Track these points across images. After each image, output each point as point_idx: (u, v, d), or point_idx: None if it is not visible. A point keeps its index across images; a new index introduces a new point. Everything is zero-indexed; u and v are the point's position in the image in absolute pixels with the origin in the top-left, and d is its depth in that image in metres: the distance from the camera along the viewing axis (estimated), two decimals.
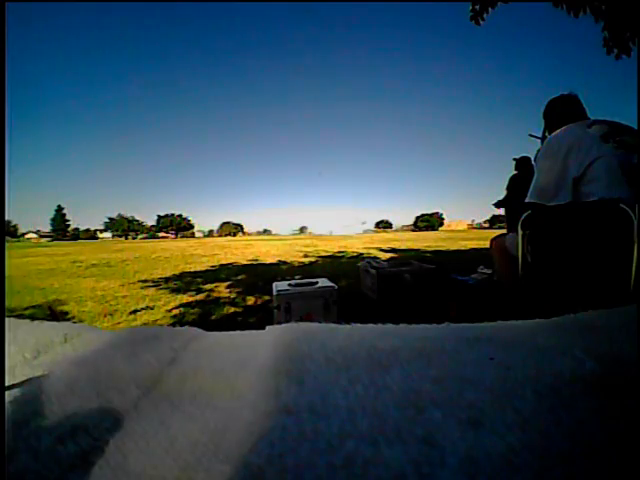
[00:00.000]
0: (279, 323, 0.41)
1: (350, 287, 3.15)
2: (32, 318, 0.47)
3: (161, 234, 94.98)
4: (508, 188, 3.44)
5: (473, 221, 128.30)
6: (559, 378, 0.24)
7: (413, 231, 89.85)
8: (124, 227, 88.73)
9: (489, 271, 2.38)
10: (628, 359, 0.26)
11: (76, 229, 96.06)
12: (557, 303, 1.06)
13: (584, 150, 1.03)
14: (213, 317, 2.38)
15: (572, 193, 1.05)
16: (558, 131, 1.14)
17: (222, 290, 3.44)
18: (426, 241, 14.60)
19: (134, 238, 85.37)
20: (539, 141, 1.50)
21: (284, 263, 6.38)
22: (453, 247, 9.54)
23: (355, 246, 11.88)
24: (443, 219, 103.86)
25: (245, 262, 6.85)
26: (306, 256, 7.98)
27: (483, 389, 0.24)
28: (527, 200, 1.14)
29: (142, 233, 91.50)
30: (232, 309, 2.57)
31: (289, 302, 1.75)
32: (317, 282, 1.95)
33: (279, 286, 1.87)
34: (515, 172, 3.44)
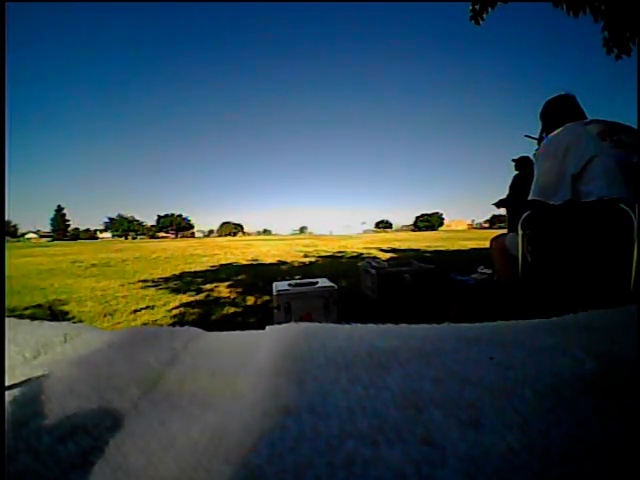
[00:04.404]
0: (279, 323, 0.41)
1: (350, 287, 3.15)
2: (32, 318, 0.47)
3: (161, 234, 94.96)
4: (511, 187, 3.44)
5: (473, 221, 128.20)
6: (559, 378, 0.24)
7: (413, 231, 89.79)
8: (124, 227, 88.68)
9: (489, 271, 2.38)
10: (628, 359, 0.26)
11: (76, 229, 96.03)
12: (557, 303, 1.06)
13: (582, 148, 1.03)
14: (213, 317, 2.38)
15: (571, 190, 1.05)
16: (557, 130, 1.14)
17: (222, 290, 3.44)
18: (426, 241, 14.60)
19: (134, 238, 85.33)
20: (535, 142, 1.50)
21: (284, 263, 6.38)
22: (453, 247, 9.54)
23: (355, 246, 11.88)
24: (443, 219, 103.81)
25: (245, 262, 6.85)
26: (306, 256, 7.98)
27: (483, 389, 0.24)
28: (530, 198, 1.15)
29: (142, 233, 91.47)
30: (232, 309, 2.57)
31: (289, 302, 1.75)
32: (317, 282, 1.95)
33: (279, 286, 1.87)
34: (517, 172, 3.44)
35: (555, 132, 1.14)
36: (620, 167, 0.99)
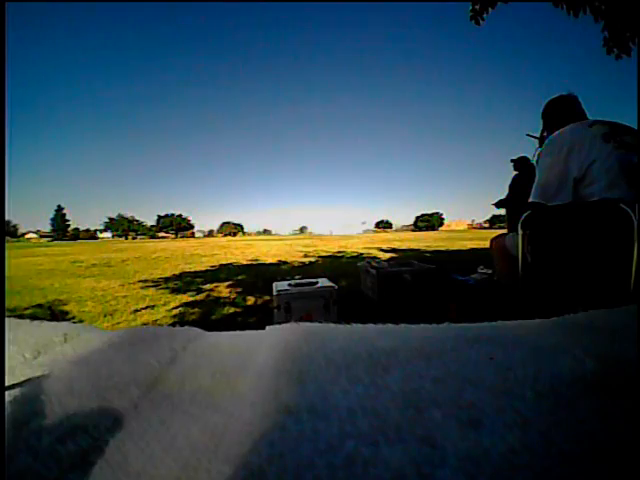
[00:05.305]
0: (279, 323, 0.41)
1: (350, 287, 3.15)
2: (32, 318, 0.47)
3: (161, 234, 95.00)
4: (511, 187, 3.44)
5: (473, 221, 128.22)
6: (559, 378, 0.24)
7: (413, 231, 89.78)
8: (124, 227, 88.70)
9: (489, 271, 2.38)
10: (628, 359, 0.26)
11: (76, 229, 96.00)
12: (557, 303, 1.06)
13: (585, 150, 1.03)
14: (213, 317, 2.38)
15: (573, 194, 1.05)
16: (560, 131, 1.14)
17: (222, 290, 3.44)
18: (426, 241, 14.60)
19: (134, 238, 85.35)
20: (536, 141, 1.50)
21: (284, 263, 6.38)
22: (453, 247, 9.54)
23: (355, 246, 11.88)
24: (443, 219, 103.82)
25: (245, 262, 6.85)
26: (306, 256, 7.98)
27: (483, 389, 0.24)
28: (531, 199, 1.14)
29: (142, 233, 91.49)
30: (232, 309, 2.57)
31: (289, 302, 1.75)
32: (317, 282, 1.95)
33: (279, 286, 1.87)
34: (516, 172, 3.44)
35: (558, 132, 1.14)
36: (622, 168, 0.99)
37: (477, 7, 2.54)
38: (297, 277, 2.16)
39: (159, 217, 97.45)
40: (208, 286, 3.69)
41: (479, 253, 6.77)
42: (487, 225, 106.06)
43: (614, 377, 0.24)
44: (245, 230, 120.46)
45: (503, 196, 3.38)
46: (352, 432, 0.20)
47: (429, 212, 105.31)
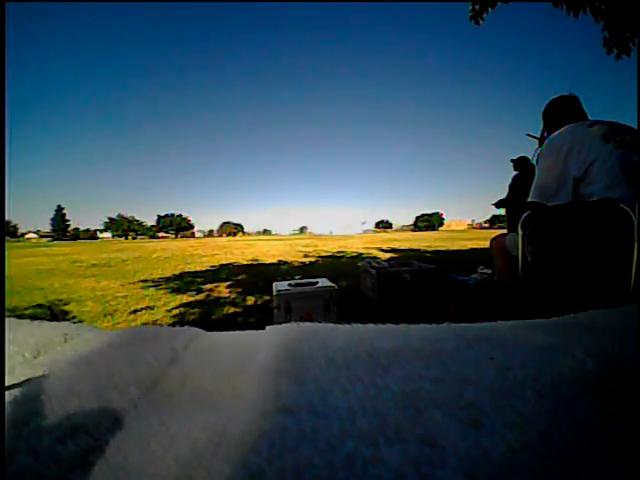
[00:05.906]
0: (279, 323, 0.41)
1: (350, 287, 3.15)
2: (32, 318, 0.47)
3: (161, 234, 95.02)
4: (511, 187, 3.44)
5: (473, 221, 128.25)
6: (559, 378, 0.24)
7: (413, 231, 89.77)
8: (124, 227, 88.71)
9: (489, 271, 2.38)
10: (628, 359, 0.26)
11: (76, 229, 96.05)
12: (557, 303, 1.06)
13: (585, 150, 1.03)
14: (213, 317, 2.38)
15: (572, 194, 1.05)
16: (559, 131, 1.14)
17: (222, 290, 3.44)
18: (426, 241, 14.60)
19: (134, 238, 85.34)
20: (536, 141, 1.50)
21: (284, 263, 6.38)
22: (453, 247, 9.54)
23: (355, 246, 11.88)
24: (443, 219, 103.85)
25: (245, 262, 6.85)
26: (306, 256, 7.98)
27: (483, 389, 0.24)
28: (529, 199, 1.14)
29: (142, 233, 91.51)
30: (232, 309, 2.57)
31: (289, 302, 1.75)
32: (317, 282, 1.95)
33: (279, 286, 1.87)
34: (516, 172, 3.44)
35: (557, 132, 1.14)
36: (622, 168, 0.99)
37: (477, 7, 2.54)
38: (297, 277, 2.16)
39: (159, 217, 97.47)
40: (208, 286, 3.69)
41: (479, 253, 6.78)
42: (487, 225, 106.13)
43: (614, 377, 0.24)
44: (245, 230, 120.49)
45: (503, 196, 3.38)
46: (352, 432, 0.20)
47: (429, 212, 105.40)
